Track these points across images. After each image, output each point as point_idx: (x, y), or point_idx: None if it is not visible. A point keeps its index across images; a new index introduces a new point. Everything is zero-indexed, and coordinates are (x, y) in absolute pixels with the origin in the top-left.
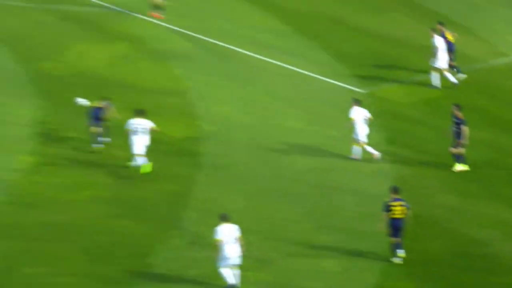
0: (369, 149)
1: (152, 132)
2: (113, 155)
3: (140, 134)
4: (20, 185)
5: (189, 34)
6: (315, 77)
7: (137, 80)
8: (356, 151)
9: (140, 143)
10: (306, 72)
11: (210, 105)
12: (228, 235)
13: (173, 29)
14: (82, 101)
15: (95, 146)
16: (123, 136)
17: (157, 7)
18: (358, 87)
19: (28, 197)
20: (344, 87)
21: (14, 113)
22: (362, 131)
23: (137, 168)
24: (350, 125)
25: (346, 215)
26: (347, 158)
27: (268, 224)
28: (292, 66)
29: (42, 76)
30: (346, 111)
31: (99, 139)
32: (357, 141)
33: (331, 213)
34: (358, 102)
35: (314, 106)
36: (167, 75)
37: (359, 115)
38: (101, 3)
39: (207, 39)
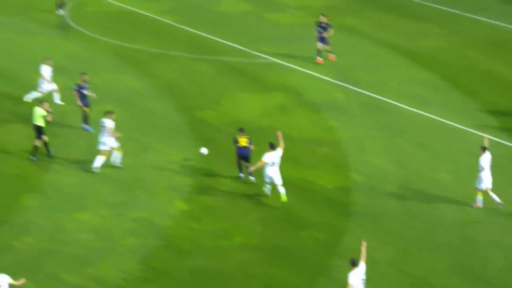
0: (494, 197)
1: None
2: (263, 202)
3: (276, 165)
4: (175, 231)
5: (342, 86)
6: (465, 130)
7: (291, 130)
8: (479, 200)
9: (277, 174)
10: (456, 125)
11: (362, 156)
12: (359, 279)
13: (328, 81)
14: (203, 151)
15: (251, 178)
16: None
17: (319, 52)
18: (508, 141)
19: (182, 242)
20: (494, 141)
21: (171, 159)
22: (488, 178)
23: (285, 215)
24: (479, 174)
25: (496, 268)
26: (493, 210)
27: (417, 275)
28: (443, 118)
29: (199, 124)
30: (495, 164)
31: (243, 176)
32: (480, 190)
33: (480, 266)
34: (485, 149)
35: (464, 158)
36: (321, 125)
37: (487, 163)
38: (258, 54)
39: (360, 90)
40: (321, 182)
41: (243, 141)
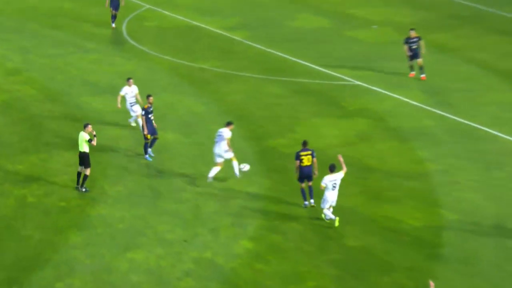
0: None
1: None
2: (339, 240)
3: (336, 189)
4: (239, 273)
5: (432, 111)
6: None
7: (375, 161)
8: None
9: (335, 198)
10: None
11: (454, 190)
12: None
13: (416, 105)
14: (245, 168)
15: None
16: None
17: (412, 68)
18: None
19: (247, 286)
20: None
21: (237, 192)
22: None
23: (365, 257)
24: None
25: None
26: None
27: None
28: None
29: (269, 154)
30: None
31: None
32: None
33: None
34: None
35: None
36: (408, 155)
37: None
38: (337, 75)
39: (452, 116)
40: (407, 220)
41: (306, 159)
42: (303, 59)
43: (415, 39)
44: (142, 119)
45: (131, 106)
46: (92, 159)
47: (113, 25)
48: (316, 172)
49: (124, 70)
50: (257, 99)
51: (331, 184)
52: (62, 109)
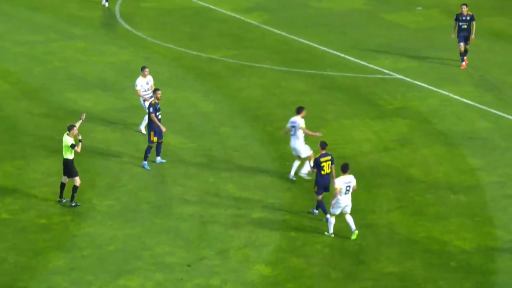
0: None
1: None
2: (371, 265)
3: (350, 192)
4: None
5: (488, 111)
6: None
7: (416, 170)
8: None
9: (350, 203)
10: None
11: (510, 207)
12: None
13: (468, 104)
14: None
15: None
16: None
17: (463, 55)
18: None
19: None
20: None
21: (250, 207)
22: None
23: (404, 285)
24: None
25: None
26: None
27: None
28: None
29: (291, 160)
30: None
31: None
32: None
33: None
34: None
35: None
36: (457, 164)
37: None
38: (373, 67)
39: (510, 117)
40: (455, 241)
41: (327, 166)
42: (332, 47)
43: (467, 17)
44: (154, 119)
45: (145, 102)
46: (78, 167)
47: (106, 3)
48: (334, 181)
49: (117, 60)
50: (276, 95)
51: (345, 187)
52: (41, 107)
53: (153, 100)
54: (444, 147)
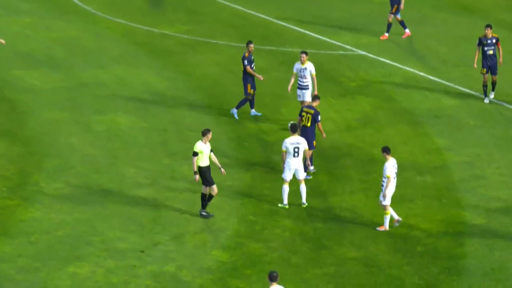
0: None
1: None
2: (336, 250)
3: (300, 156)
4: None
5: (455, 88)
6: None
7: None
8: None
9: (301, 167)
10: None
11: (479, 188)
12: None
13: (435, 81)
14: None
15: None
16: None
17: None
18: None
19: None
20: None
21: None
22: None
23: (368, 270)
24: None
25: None
26: None
27: None
28: None
29: (248, 140)
30: None
31: None
32: None
33: None
34: None
35: None
36: (423, 144)
37: None
38: (335, 43)
39: (479, 95)
40: (421, 224)
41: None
42: (291, 22)
43: (492, 40)
44: (249, 70)
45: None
46: (24, 149)
47: None
48: (309, 164)
49: (65, 36)
50: (233, 73)
51: (293, 148)
52: None
53: (246, 52)
54: (409, 126)
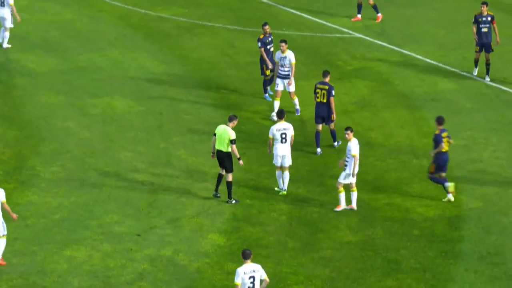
0: None
1: None
2: (331, 234)
3: (287, 142)
4: (206, 276)
5: (452, 71)
6: None
7: (377, 133)
8: None
9: (288, 154)
10: None
11: (476, 172)
12: None
13: (429, 64)
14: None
15: None
16: None
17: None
18: None
19: None
20: None
21: (202, 173)
22: None
23: (365, 254)
24: None
25: None
26: None
27: None
28: None
29: (245, 124)
30: None
31: None
32: None
33: None
34: None
35: None
36: (419, 127)
37: None
38: (332, 25)
39: (476, 78)
40: (417, 208)
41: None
42: (288, 5)
43: (488, 18)
44: (263, 52)
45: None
46: (20, 133)
47: None
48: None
49: (60, 19)
50: (230, 56)
51: (280, 134)
52: None
53: (261, 35)
54: (406, 109)
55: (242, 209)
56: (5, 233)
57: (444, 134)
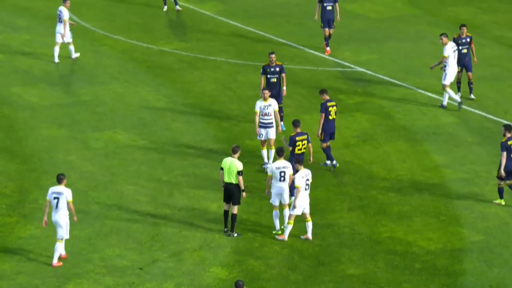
0: None
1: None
2: (334, 267)
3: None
4: None
5: (455, 106)
6: None
7: (378, 167)
8: None
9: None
10: None
11: (478, 205)
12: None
13: (431, 98)
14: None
15: None
16: None
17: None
18: None
19: None
20: None
21: (205, 207)
22: None
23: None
24: None
25: None
26: None
27: None
28: None
29: (247, 158)
30: None
31: None
32: None
33: None
34: None
35: None
36: (421, 161)
37: None
38: (334, 59)
39: (476, 111)
40: (420, 241)
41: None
42: (290, 39)
43: (467, 39)
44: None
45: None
46: (23, 166)
47: None
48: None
49: (62, 53)
50: (232, 90)
51: (279, 172)
52: None
53: (266, 63)
54: (407, 143)
55: (244, 242)
56: (68, 237)
57: (298, 138)
